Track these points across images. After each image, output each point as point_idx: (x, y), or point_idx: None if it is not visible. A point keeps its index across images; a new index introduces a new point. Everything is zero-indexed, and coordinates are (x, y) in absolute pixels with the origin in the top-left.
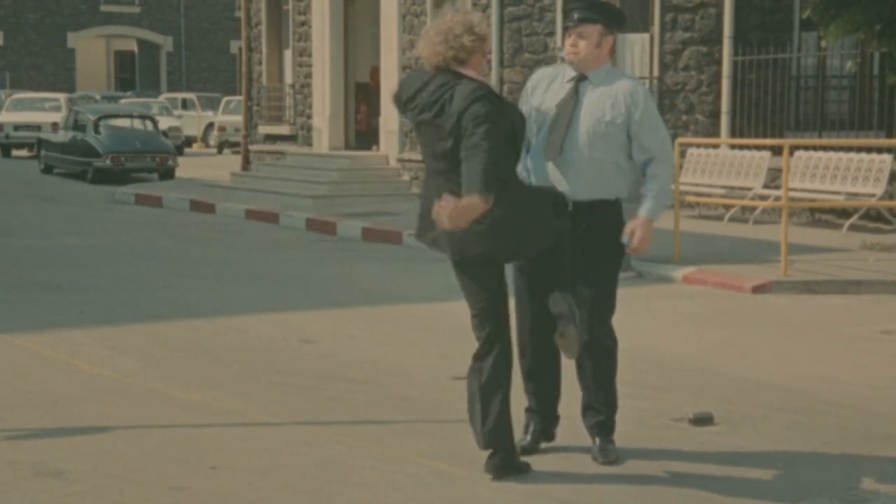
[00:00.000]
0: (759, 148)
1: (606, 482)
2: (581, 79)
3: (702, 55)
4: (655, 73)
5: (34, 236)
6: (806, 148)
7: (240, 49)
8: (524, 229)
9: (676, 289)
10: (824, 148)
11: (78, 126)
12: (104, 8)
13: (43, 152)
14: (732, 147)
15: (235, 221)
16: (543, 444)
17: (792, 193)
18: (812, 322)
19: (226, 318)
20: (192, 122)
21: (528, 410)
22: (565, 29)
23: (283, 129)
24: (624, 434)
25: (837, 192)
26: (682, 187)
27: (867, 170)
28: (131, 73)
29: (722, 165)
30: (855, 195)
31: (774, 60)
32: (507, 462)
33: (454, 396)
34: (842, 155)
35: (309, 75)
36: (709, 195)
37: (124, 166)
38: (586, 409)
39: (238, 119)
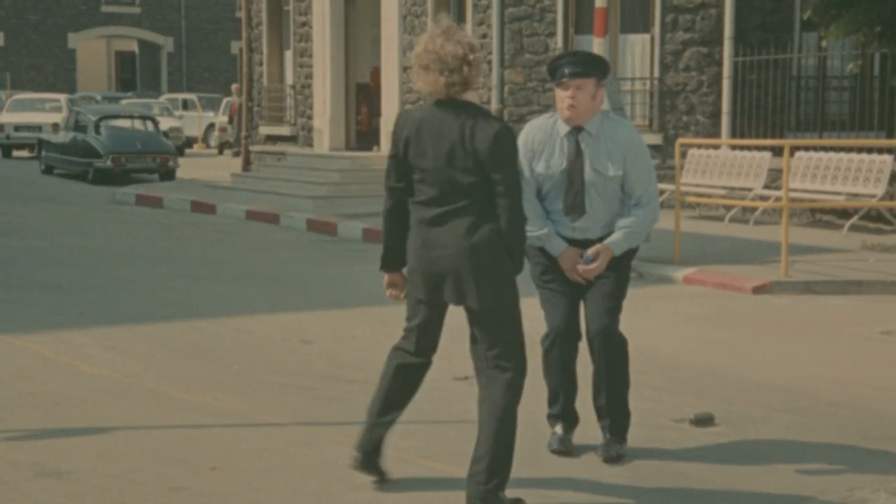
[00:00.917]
0: (759, 148)
1: (607, 483)
2: (578, 131)
3: (702, 56)
4: (656, 73)
5: (35, 237)
6: (806, 148)
7: (240, 50)
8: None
9: (677, 289)
10: (825, 148)
11: (78, 127)
12: (105, 8)
13: (43, 153)
14: (733, 148)
15: (236, 222)
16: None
17: (792, 194)
18: (812, 322)
19: (226, 319)
20: (192, 123)
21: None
22: (557, 84)
23: (284, 130)
24: None
25: (838, 193)
26: (682, 188)
27: (868, 170)
28: (132, 74)
29: (722, 166)
30: (855, 196)
31: (775, 61)
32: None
33: (455, 397)
34: (842, 155)
35: (310, 76)
36: (709, 196)
37: (125, 167)
38: (598, 407)
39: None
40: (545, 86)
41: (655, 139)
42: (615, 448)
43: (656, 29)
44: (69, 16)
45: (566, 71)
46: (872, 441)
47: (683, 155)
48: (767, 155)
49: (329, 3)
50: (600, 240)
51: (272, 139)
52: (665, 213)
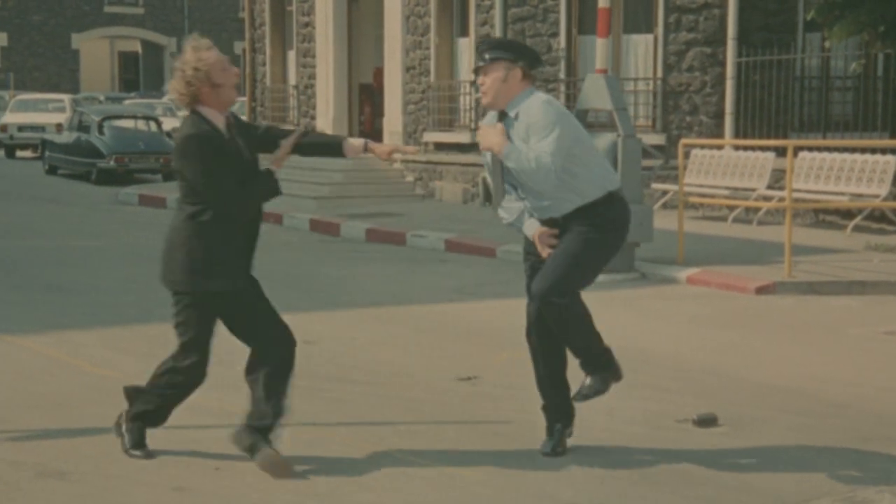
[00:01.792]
0: (763, 149)
1: (609, 483)
2: (502, 116)
3: (706, 56)
4: (659, 73)
5: (38, 237)
6: (810, 149)
7: (243, 50)
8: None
9: (680, 290)
10: (828, 149)
11: (82, 127)
12: (108, 9)
13: (47, 153)
14: (736, 148)
15: None
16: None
17: (796, 194)
18: (816, 323)
19: None
20: None
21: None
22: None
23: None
24: (628, 435)
25: (841, 193)
26: (685, 188)
27: (871, 171)
28: (135, 74)
29: (726, 166)
30: (859, 196)
31: (778, 61)
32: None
33: (458, 398)
34: (846, 156)
35: (312, 76)
36: (713, 196)
37: (128, 167)
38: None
39: None
40: (548, 86)
41: (658, 139)
42: (589, 384)
43: (659, 29)
44: (72, 16)
45: (475, 60)
46: (876, 442)
47: (687, 155)
48: (771, 155)
49: (332, 3)
50: (565, 218)
51: None
52: (668, 214)
